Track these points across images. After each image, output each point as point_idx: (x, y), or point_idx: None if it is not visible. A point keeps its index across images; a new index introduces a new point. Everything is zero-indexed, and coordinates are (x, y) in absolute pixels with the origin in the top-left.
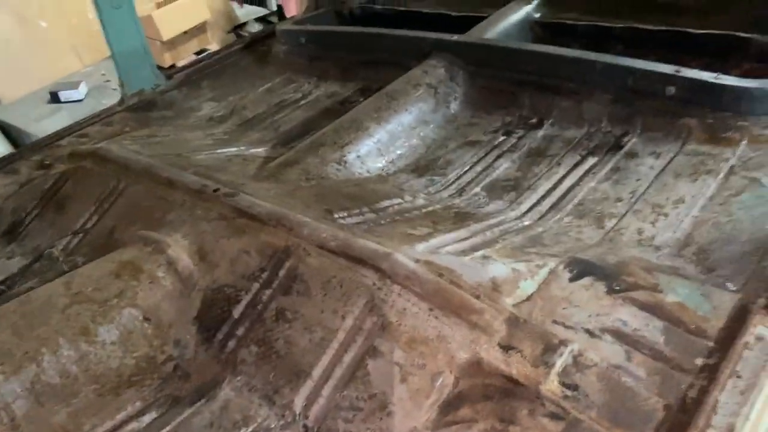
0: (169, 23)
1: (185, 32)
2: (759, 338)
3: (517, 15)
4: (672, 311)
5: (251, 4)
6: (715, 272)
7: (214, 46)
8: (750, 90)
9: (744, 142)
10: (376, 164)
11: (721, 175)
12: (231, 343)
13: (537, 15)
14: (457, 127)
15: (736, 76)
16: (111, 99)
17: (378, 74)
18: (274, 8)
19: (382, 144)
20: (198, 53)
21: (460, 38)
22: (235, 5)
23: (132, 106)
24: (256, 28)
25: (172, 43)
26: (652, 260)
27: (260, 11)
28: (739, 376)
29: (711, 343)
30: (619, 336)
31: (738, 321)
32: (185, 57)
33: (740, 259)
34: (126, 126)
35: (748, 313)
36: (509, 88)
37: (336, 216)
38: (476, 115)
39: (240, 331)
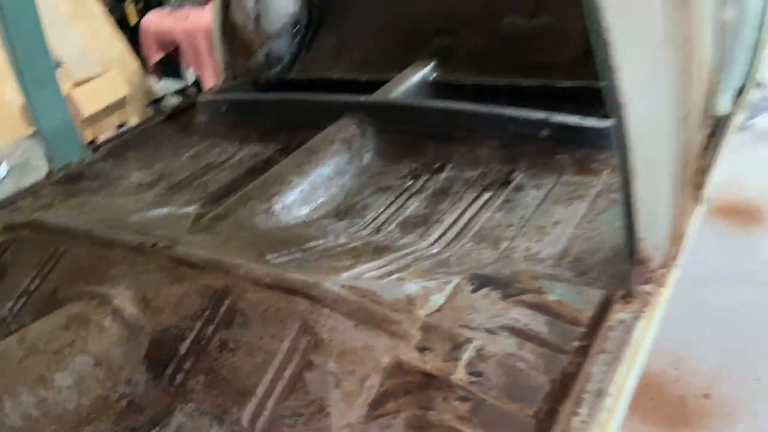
0: (89, 100)
1: (105, 108)
2: (620, 321)
3: (416, 77)
4: (553, 307)
5: (168, 77)
6: (587, 275)
7: (133, 120)
8: (606, 129)
9: (606, 171)
10: (301, 212)
11: (590, 199)
12: (179, 376)
13: (433, 76)
14: (371, 176)
15: (596, 118)
16: (32, 176)
17: (296, 135)
18: (191, 81)
19: (305, 194)
20: (119, 127)
21: (368, 99)
22: (153, 80)
23: (60, 178)
24: (173, 100)
25: (93, 119)
26: (538, 270)
27: (177, 85)
28: (606, 352)
29: (584, 329)
30: (513, 331)
31: (603, 310)
32: (106, 131)
33: (605, 263)
34: (56, 198)
35: (611, 303)
36: (413, 139)
37: (268, 257)
38: (387, 165)
39: (187, 365)
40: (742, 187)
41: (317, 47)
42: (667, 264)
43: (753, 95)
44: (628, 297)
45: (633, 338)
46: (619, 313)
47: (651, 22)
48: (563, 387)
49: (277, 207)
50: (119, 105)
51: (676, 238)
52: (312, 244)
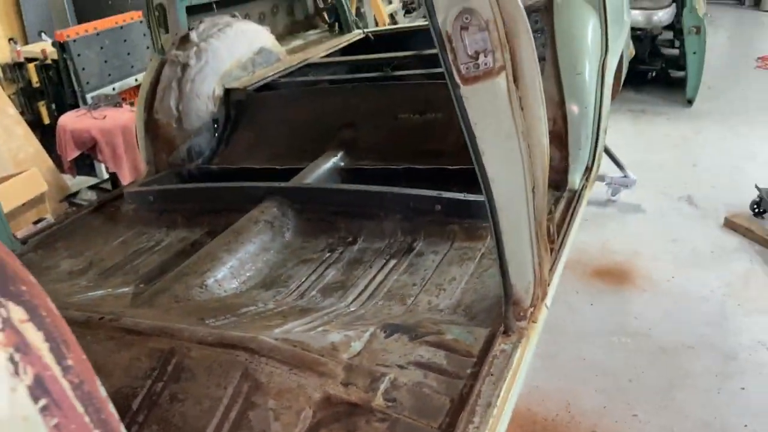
0: (7, 198)
1: (23, 204)
2: (502, 351)
3: (327, 164)
4: (450, 344)
5: (81, 174)
6: (476, 318)
7: (49, 216)
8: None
9: (489, 237)
10: (231, 285)
11: (477, 260)
12: (134, 429)
13: (342, 163)
14: (293, 251)
15: (478, 194)
16: None
17: (221, 219)
18: (105, 176)
19: (234, 269)
20: (35, 222)
21: (287, 184)
22: (67, 176)
23: None
24: (88, 195)
25: (12, 215)
26: (438, 318)
27: (91, 180)
28: (492, 375)
29: (474, 359)
30: (419, 365)
31: (489, 344)
32: (24, 227)
33: (490, 308)
34: None
35: (495, 338)
36: (328, 217)
37: (207, 322)
38: (306, 240)
39: (140, 418)
40: (613, 252)
41: (235, 142)
42: (535, 303)
43: (616, 174)
44: (507, 332)
45: (513, 363)
46: (501, 345)
47: (502, 120)
48: (460, 404)
49: (210, 281)
50: (38, 201)
51: (541, 282)
52: (244, 310)
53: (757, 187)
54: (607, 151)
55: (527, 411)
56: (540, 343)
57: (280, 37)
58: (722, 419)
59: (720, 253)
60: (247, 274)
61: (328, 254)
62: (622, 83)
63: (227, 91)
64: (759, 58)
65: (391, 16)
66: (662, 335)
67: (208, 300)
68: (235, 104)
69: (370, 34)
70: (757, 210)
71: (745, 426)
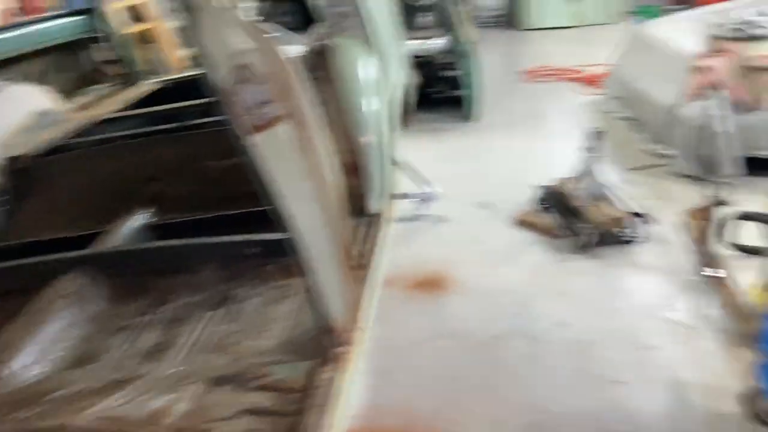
0: None
1: None
2: (325, 379)
3: (134, 223)
4: (277, 384)
5: None
6: (300, 353)
7: None
8: None
9: None
10: (35, 371)
11: (296, 296)
12: None
13: (151, 220)
14: (104, 321)
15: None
16: None
17: (17, 301)
18: None
19: (39, 353)
20: None
21: (87, 252)
22: None
23: None
24: None
25: None
26: (264, 360)
27: None
28: (318, 405)
29: (300, 394)
30: (248, 411)
31: (312, 375)
32: None
33: (312, 340)
34: None
35: (317, 368)
36: (139, 279)
37: (10, 417)
38: (117, 307)
39: None
40: (427, 263)
41: (25, 214)
42: (349, 328)
43: (421, 191)
44: (328, 360)
45: (336, 389)
46: (324, 374)
47: (291, 162)
48: None
49: (9, 371)
50: None
51: (352, 307)
52: (53, 396)
53: (539, 185)
54: (410, 169)
55: (369, 429)
56: (374, 361)
57: (66, 95)
58: (539, 398)
59: (515, 248)
60: (54, 356)
61: (142, 318)
62: (414, 108)
63: (9, 161)
64: (523, 72)
65: (192, 59)
66: (477, 331)
67: (9, 392)
68: (20, 173)
69: (165, 83)
70: (542, 206)
71: (558, 400)
